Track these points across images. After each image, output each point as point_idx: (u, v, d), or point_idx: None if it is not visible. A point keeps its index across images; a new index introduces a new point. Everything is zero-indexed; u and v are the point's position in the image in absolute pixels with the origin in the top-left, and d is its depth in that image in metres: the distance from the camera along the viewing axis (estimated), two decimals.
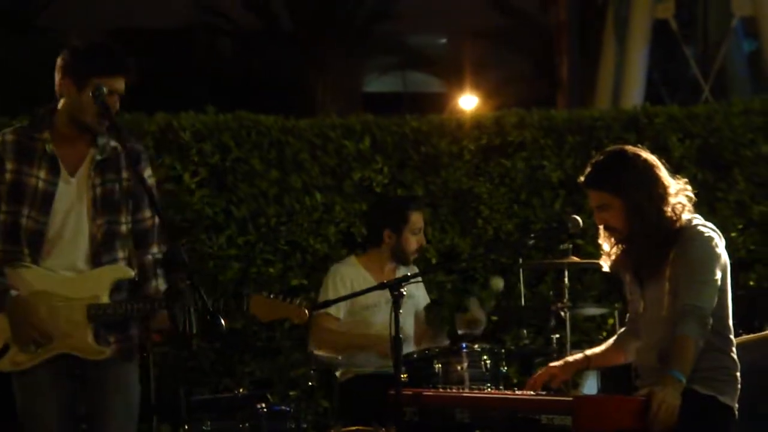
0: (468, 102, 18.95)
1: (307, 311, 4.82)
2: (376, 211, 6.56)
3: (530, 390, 4.80)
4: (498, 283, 6.15)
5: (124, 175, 4.68)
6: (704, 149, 7.80)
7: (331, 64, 19.67)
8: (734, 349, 4.57)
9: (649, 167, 4.59)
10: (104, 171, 4.64)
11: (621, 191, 4.55)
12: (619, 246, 4.66)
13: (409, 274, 5.31)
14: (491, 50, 21.66)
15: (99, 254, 4.63)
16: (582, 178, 4.69)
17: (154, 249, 4.77)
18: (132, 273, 4.68)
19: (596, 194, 4.64)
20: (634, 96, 13.83)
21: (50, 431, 4.60)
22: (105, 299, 4.59)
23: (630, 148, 4.68)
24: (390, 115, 8.05)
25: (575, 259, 6.30)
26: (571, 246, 6.33)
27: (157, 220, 4.73)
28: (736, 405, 4.52)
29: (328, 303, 5.55)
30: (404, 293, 4.91)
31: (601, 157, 4.68)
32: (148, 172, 4.73)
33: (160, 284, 4.72)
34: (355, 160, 7.66)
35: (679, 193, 4.60)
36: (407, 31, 22.20)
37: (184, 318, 4.24)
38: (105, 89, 4.46)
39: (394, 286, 4.89)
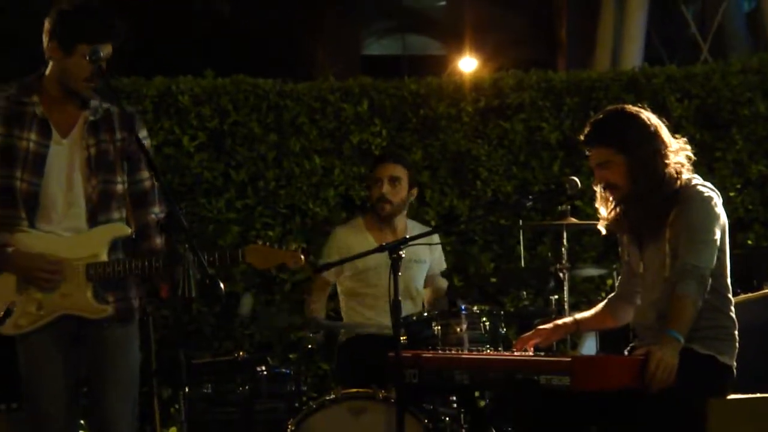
0: (467, 64, 18.85)
1: (303, 256, 4.84)
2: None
3: (519, 350, 4.82)
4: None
5: (119, 135, 4.67)
6: (702, 109, 7.80)
7: (329, 27, 19.59)
8: (733, 308, 4.58)
9: (651, 125, 4.59)
10: (98, 131, 4.64)
11: (624, 147, 4.54)
12: (618, 207, 4.66)
13: (415, 233, 5.30)
14: (490, 12, 21.55)
15: (95, 214, 4.64)
16: (582, 137, 4.68)
17: (155, 208, 4.78)
18: (129, 231, 4.68)
19: (598, 151, 4.62)
20: (633, 56, 13.78)
21: (53, 394, 4.62)
22: (103, 258, 4.61)
23: (630, 106, 4.68)
24: (389, 78, 8.04)
25: (574, 220, 6.30)
26: (569, 207, 6.34)
27: (155, 180, 4.72)
28: (735, 364, 4.54)
29: (323, 267, 5.58)
30: (402, 255, 4.91)
31: (601, 116, 4.67)
32: (143, 133, 4.72)
33: (161, 243, 4.73)
34: (353, 123, 7.66)
35: (679, 152, 4.60)
36: None
37: (184, 282, 4.26)
38: (102, 53, 4.45)
39: (392, 249, 4.90)
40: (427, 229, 6.46)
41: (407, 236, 5.37)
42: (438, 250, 6.40)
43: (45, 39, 4.59)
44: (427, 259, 6.30)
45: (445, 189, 7.66)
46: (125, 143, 4.68)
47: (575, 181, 4.98)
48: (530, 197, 6.31)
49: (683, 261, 4.42)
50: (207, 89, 7.59)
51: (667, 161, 4.54)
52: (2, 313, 4.56)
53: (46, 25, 4.58)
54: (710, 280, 4.42)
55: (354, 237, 6.26)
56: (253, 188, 7.53)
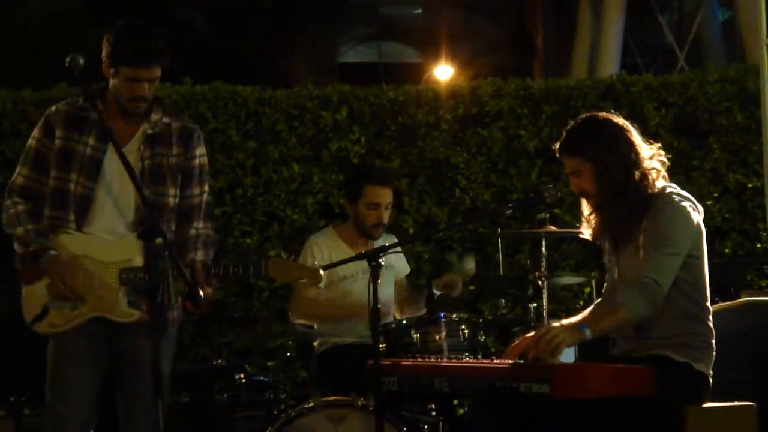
0: (443, 72, 18.88)
1: (322, 272, 4.90)
2: (344, 181, 6.57)
3: (507, 359, 4.82)
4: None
5: (175, 150, 4.79)
6: (680, 118, 7.83)
7: (305, 35, 19.58)
8: (710, 317, 4.60)
9: (619, 130, 4.62)
10: (154, 144, 4.75)
11: (590, 155, 4.59)
12: (594, 215, 4.69)
13: (386, 244, 5.30)
14: (466, 20, 21.60)
15: (142, 223, 4.67)
16: (556, 146, 4.72)
17: (199, 224, 4.87)
18: (160, 240, 4.70)
19: (568, 160, 4.69)
20: (610, 65, 13.83)
21: (78, 395, 4.67)
22: (137, 263, 4.63)
23: (602, 113, 4.72)
24: (366, 85, 8.04)
25: (552, 228, 6.32)
26: (548, 215, 6.35)
27: (205, 197, 4.89)
28: (711, 372, 4.55)
29: (328, 266, 5.55)
30: (382, 263, 4.91)
31: (572, 125, 4.72)
32: (200, 151, 4.86)
33: (199, 257, 4.82)
34: (332, 130, 7.66)
35: (653, 157, 4.62)
36: (382, 2, 22.11)
37: (163, 289, 4.26)
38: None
39: (371, 257, 4.90)
40: (387, 234, 6.46)
41: (384, 244, 5.36)
42: (401, 255, 6.37)
43: (102, 56, 4.70)
44: (394, 263, 6.30)
45: (424, 197, 7.66)
46: (180, 159, 4.79)
47: (554, 190, 5.00)
48: (509, 205, 6.33)
49: (643, 272, 4.44)
50: (185, 96, 7.58)
51: (635, 166, 4.56)
52: (39, 311, 4.63)
53: (104, 41, 4.69)
54: (663, 295, 4.44)
55: (331, 247, 6.24)
56: (231, 196, 7.51)
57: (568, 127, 4.72)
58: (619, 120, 4.66)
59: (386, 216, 6.16)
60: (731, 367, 4.72)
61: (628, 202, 4.55)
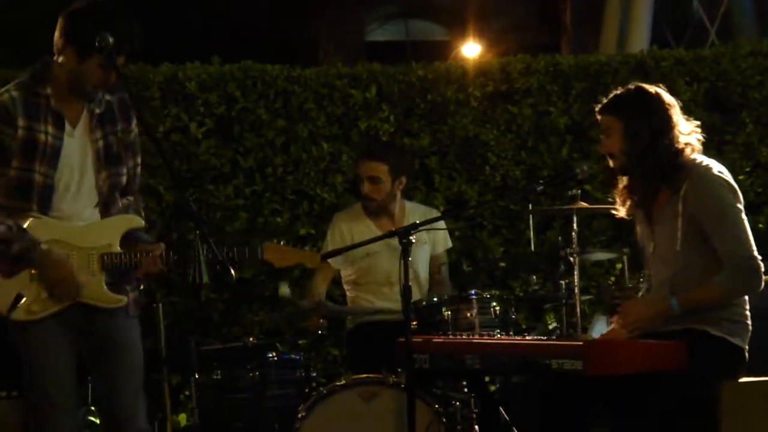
0: (471, 50, 18.78)
1: (319, 255, 4.90)
2: None
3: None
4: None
5: (119, 126, 4.72)
6: (712, 92, 7.76)
7: (332, 13, 19.55)
8: None
9: (660, 103, 4.65)
10: (103, 124, 4.68)
11: (621, 114, 4.64)
12: (624, 183, 4.70)
13: (418, 220, 5.30)
14: None
15: (107, 206, 4.68)
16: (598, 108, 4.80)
17: (132, 196, 4.84)
18: (143, 222, 4.72)
19: (603, 118, 4.76)
20: (640, 40, 13.70)
21: (61, 382, 4.64)
22: (116, 248, 4.63)
23: (648, 85, 4.74)
24: (393, 63, 8.01)
25: (583, 204, 6.29)
26: (579, 192, 6.32)
27: (138, 169, 4.82)
28: (747, 347, 4.53)
29: (328, 255, 5.58)
30: (413, 240, 4.91)
31: (622, 90, 4.76)
32: (135, 121, 4.78)
33: None
34: (361, 108, 7.64)
35: (691, 133, 4.63)
36: None
37: (195, 268, 4.27)
38: (111, 40, 4.43)
39: (403, 235, 4.89)
40: (428, 209, 6.48)
41: (414, 221, 5.35)
42: (440, 231, 6.38)
43: (58, 36, 4.57)
44: (427, 239, 6.30)
45: (454, 174, 7.64)
46: (125, 133, 4.73)
47: (584, 166, 5.01)
48: (540, 182, 6.33)
49: (733, 253, 4.43)
50: (214, 76, 7.57)
51: (667, 136, 4.57)
52: (12, 299, 4.56)
53: (61, 22, 4.57)
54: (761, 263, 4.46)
55: (354, 224, 6.30)
56: (261, 175, 7.51)
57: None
58: (664, 93, 4.69)
59: (373, 190, 6.23)
60: (765, 342, 4.70)
61: (654, 164, 4.56)
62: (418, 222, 5.13)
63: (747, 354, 4.54)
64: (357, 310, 6.25)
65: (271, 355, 5.89)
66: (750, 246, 4.46)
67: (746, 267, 4.44)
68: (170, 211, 6.96)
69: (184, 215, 4.22)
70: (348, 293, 6.45)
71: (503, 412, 5.61)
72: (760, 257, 4.49)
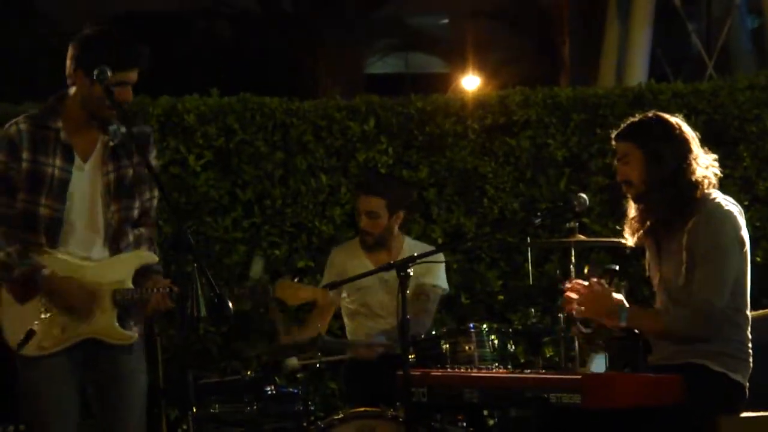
0: (470, 82, 18.88)
1: (331, 293, 4.91)
2: None
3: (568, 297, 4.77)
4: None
5: (135, 159, 4.69)
6: (709, 125, 7.76)
7: (332, 46, 19.62)
8: (749, 325, 4.57)
9: (681, 131, 4.64)
10: (117, 157, 4.67)
11: (642, 141, 4.61)
12: (637, 211, 4.68)
13: (415, 254, 5.28)
14: (492, 30, 21.59)
15: (116, 240, 4.68)
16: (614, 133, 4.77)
17: (148, 230, 4.83)
18: (156, 258, 4.72)
19: (620, 145, 4.71)
20: (638, 73, 13.78)
21: (65, 416, 4.64)
22: (129, 284, 4.63)
23: (668, 115, 4.73)
24: (393, 95, 8.03)
25: (582, 237, 6.28)
26: (577, 224, 6.32)
27: (155, 202, 4.81)
28: (747, 384, 4.52)
29: (331, 286, 5.61)
30: (410, 273, 4.91)
31: (639, 117, 4.76)
32: (154, 153, 4.79)
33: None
34: (359, 141, 7.65)
35: (708, 167, 4.62)
36: (408, 12, 22.12)
37: (192, 301, 4.26)
38: (109, 72, 4.44)
39: (400, 267, 4.89)
40: (425, 246, 6.45)
41: (413, 254, 5.33)
42: (431, 265, 6.33)
43: (69, 64, 4.59)
44: (412, 272, 6.28)
45: (452, 206, 7.64)
46: (140, 166, 4.69)
47: (583, 198, 5.02)
48: (538, 215, 6.33)
49: (700, 294, 4.42)
50: (213, 108, 7.58)
51: (688, 167, 4.55)
52: (23, 336, 4.55)
53: (71, 50, 4.59)
54: (716, 316, 4.43)
55: (350, 259, 6.31)
56: (260, 207, 7.51)
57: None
58: (685, 125, 4.68)
59: (369, 225, 6.22)
60: (762, 377, 4.68)
61: (674, 195, 4.53)
62: (416, 255, 5.12)
63: (747, 391, 4.52)
64: (355, 343, 6.23)
65: (269, 388, 5.87)
66: (714, 291, 4.41)
67: (699, 310, 4.43)
68: (168, 244, 6.96)
69: (182, 248, 4.20)
70: (347, 324, 6.45)
71: None
72: (721, 305, 4.44)
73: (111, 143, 4.64)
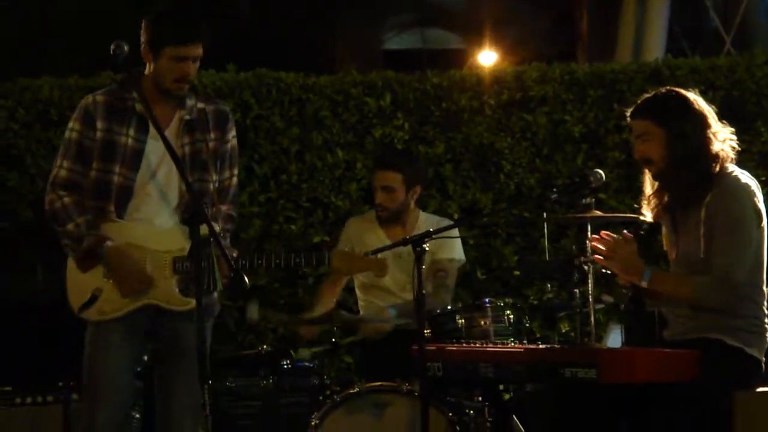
0: (487, 58, 18.78)
1: (388, 264, 4.93)
2: None
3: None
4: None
5: (212, 135, 4.83)
6: (727, 101, 7.73)
7: (349, 22, 19.58)
8: (766, 300, 4.56)
9: (697, 106, 4.61)
10: (192, 131, 4.79)
11: (663, 119, 4.58)
12: (656, 188, 4.66)
13: (431, 230, 5.28)
14: (509, 5, 21.51)
15: (186, 210, 4.71)
16: (629, 111, 4.72)
17: (224, 206, 4.92)
18: (218, 228, 4.74)
19: (639, 123, 4.67)
20: (655, 49, 13.68)
21: (119, 382, 4.73)
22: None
23: (683, 90, 4.70)
24: (410, 71, 8.01)
25: (598, 213, 6.27)
26: (593, 200, 6.30)
27: (235, 180, 4.95)
28: (764, 358, 4.51)
29: (377, 251, 5.58)
30: (426, 249, 4.91)
31: (653, 93, 4.71)
32: (233, 133, 4.93)
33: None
34: (376, 116, 7.64)
35: (725, 140, 4.61)
36: None
37: (209, 275, 4.29)
38: (126, 47, 4.50)
39: (417, 242, 4.89)
40: (441, 219, 6.46)
41: (428, 229, 5.33)
42: (446, 240, 6.32)
43: (141, 41, 4.75)
44: (428, 246, 6.28)
45: (468, 182, 7.63)
46: (217, 143, 4.84)
47: (599, 174, 5.01)
48: (554, 190, 6.31)
49: (721, 263, 4.41)
50: (229, 83, 7.59)
51: (708, 142, 4.54)
52: (88, 298, 4.67)
53: (142, 28, 4.75)
54: (740, 285, 4.42)
55: (365, 231, 6.33)
56: (276, 182, 7.52)
57: (648, 95, 4.72)
58: (699, 99, 4.67)
59: (386, 199, 6.23)
60: None
61: (695, 170, 4.52)
62: (431, 230, 5.11)
63: (763, 365, 4.51)
64: (370, 318, 6.23)
65: (284, 362, 5.90)
66: (736, 261, 4.41)
67: (721, 279, 4.41)
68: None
69: (198, 222, 4.22)
70: (359, 298, 6.46)
71: (517, 420, 5.59)
72: (742, 275, 4.43)
73: (187, 117, 4.76)
